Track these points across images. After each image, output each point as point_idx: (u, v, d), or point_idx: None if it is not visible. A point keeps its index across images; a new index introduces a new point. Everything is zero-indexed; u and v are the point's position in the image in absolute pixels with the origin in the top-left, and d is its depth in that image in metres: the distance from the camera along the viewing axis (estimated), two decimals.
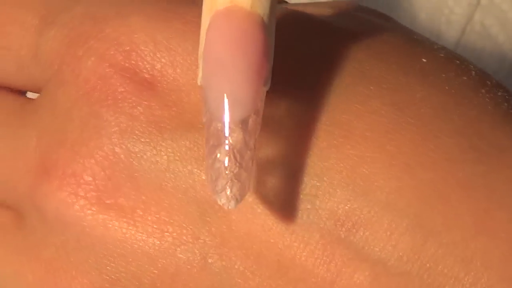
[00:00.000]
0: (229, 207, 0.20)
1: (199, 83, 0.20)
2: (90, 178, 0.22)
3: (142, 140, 0.22)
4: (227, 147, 0.19)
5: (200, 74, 0.20)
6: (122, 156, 0.22)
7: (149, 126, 0.22)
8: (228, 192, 0.19)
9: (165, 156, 0.22)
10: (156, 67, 0.22)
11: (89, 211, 0.22)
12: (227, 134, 0.19)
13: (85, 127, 0.22)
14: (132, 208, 0.22)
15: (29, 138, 0.23)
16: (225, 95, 0.19)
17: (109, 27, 0.23)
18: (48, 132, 0.23)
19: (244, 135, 0.20)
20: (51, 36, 0.23)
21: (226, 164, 0.19)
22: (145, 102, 0.22)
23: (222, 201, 0.20)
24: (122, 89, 0.22)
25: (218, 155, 0.20)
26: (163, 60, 0.22)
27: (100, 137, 0.22)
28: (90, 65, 0.22)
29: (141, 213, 0.22)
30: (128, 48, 0.22)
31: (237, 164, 0.19)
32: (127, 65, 0.22)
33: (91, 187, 0.22)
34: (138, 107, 0.22)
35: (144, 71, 0.22)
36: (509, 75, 0.38)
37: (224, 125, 0.19)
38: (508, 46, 0.39)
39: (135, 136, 0.22)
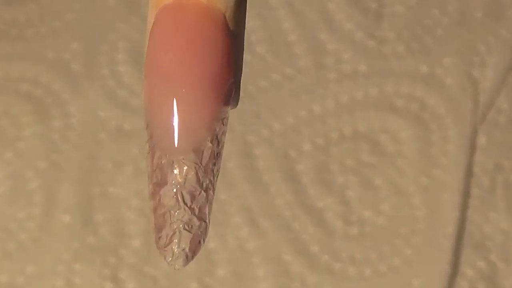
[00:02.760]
0: (176, 267, 0.15)
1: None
2: None
3: None
4: (173, 188, 0.15)
5: (142, 91, 0.15)
6: None
7: None
8: (175, 247, 0.15)
9: None
10: None
11: None
12: (174, 171, 0.15)
13: None
14: None
15: None
16: (172, 118, 0.15)
17: None
18: None
19: (197, 170, 0.15)
20: None
21: (173, 210, 0.15)
22: None
23: (167, 258, 0.15)
24: None
25: (163, 197, 0.15)
26: None
27: None
28: None
29: None
30: None
31: (187, 209, 0.15)
32: None
33: None
34: None
35: None
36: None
37: (170, 157, 0.15)
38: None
39: None
